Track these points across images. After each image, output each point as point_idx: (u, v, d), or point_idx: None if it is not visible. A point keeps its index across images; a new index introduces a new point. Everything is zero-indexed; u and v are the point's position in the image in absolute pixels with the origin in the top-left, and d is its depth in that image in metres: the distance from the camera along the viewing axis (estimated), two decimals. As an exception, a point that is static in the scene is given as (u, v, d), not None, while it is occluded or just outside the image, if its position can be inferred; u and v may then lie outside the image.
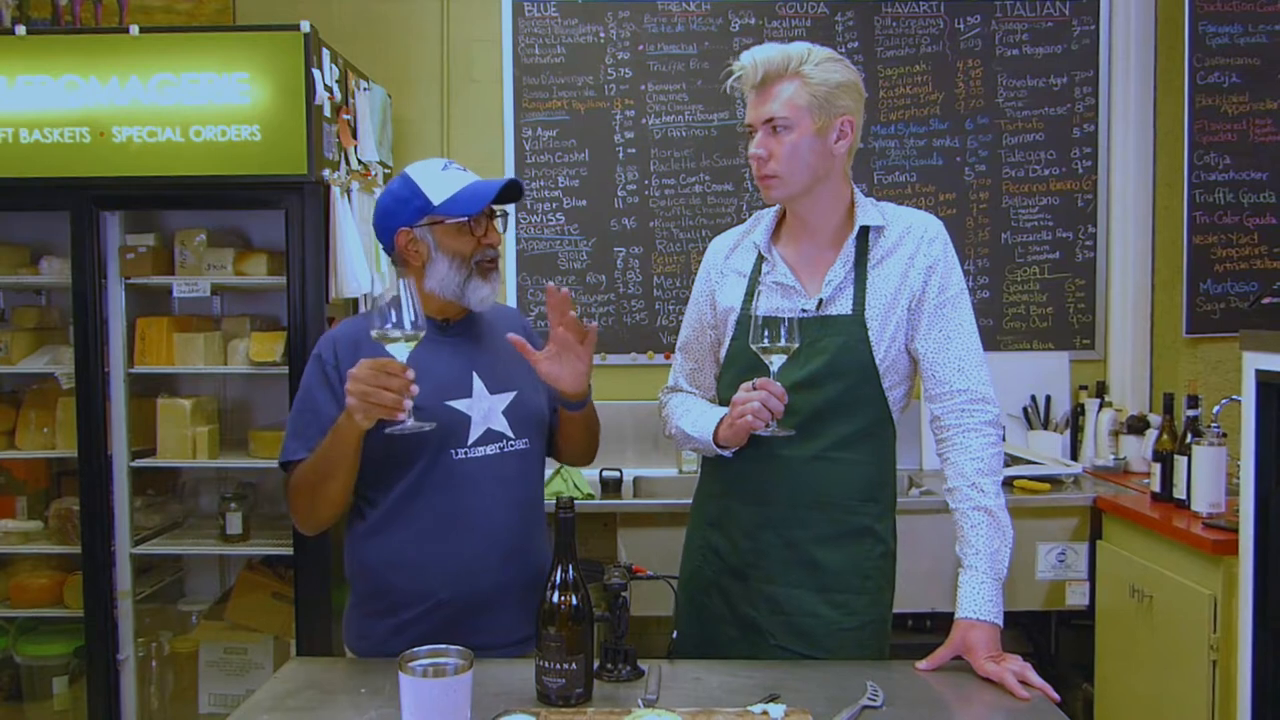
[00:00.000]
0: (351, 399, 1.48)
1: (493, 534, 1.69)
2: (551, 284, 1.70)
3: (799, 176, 1.66)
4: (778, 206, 1.79)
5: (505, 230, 1.76)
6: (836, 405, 1.68)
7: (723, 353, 1.81)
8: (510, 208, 3.54)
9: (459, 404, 1.69)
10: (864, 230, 1.71)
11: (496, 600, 1.68)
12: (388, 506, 1.68)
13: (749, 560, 1.73)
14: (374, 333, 1.48)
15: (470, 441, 1.69)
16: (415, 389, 1.48)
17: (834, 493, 1.69)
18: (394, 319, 1.46)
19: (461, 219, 1.66)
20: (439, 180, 1.69)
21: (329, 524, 1.70)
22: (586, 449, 1.89)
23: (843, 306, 1.69)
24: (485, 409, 1.71)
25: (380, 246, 1.81)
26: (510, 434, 1.73)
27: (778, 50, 1.64)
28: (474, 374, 1.72)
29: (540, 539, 1.79)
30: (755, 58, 1.65)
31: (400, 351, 1.48)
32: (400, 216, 1.69)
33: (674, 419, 1.82)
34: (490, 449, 1.71)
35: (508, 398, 1.74)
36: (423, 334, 1.49)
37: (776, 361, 1.58)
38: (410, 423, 1.49)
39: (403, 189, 1.70)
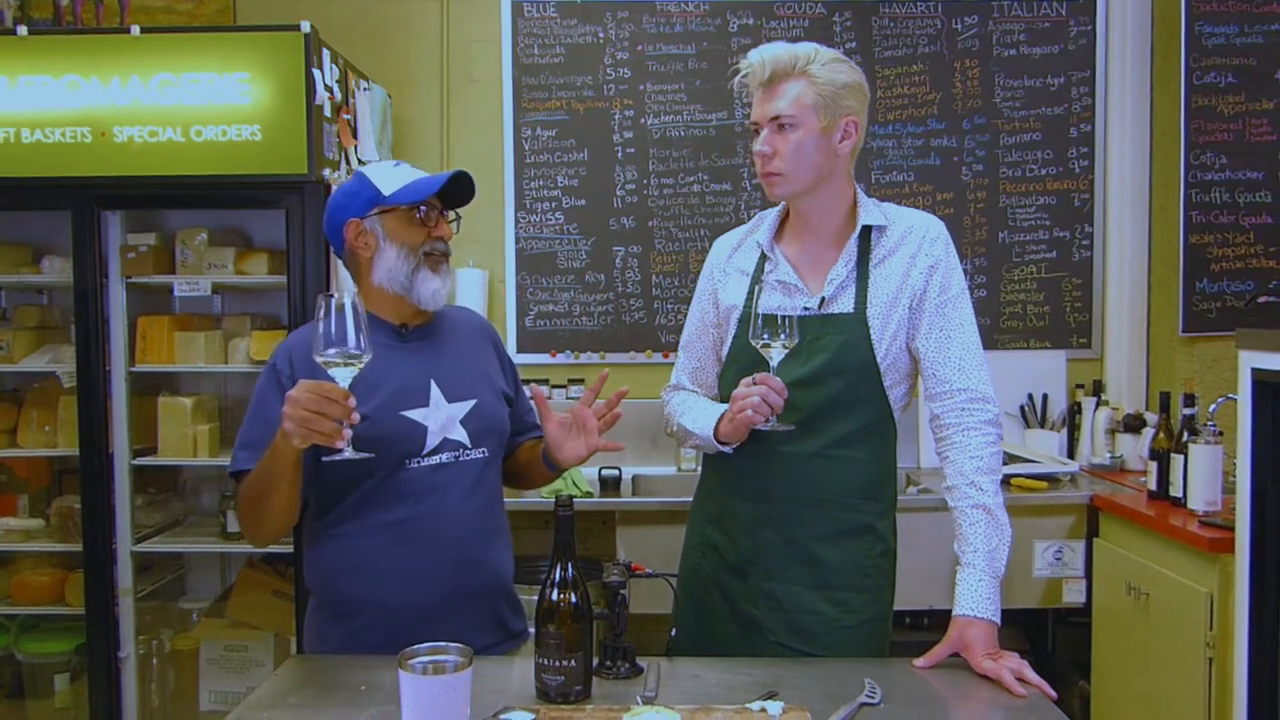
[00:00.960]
0: (288, 423, 1.41)
1: (447, 543, 1.66)
2: (606, 371, 1.75)
3: (803, 175, 1.67)
4: (781, 206, 1.80)
5: (458, 232, 1.77)
6: (838, 403, 1.69)
7: (725, 351, 1.82)
8: (510, 207, 3.58)
9: (414, 414, 1.66)
10: (866, 230, 1.73)
11: (450, 610, 1.66)
12: (341, 513, 1.66)
13: (749, 557, 1.74)
14: (315, 356, 1.41)
15: (426, 450, 1.66)
16: (356, 417, 1.42)
17: (834, 490, 1.70)
18: (335, 341, 1.39)
19: (410, 205, 1.68)
20: (390, 175, 1.71)
21: (277, 537, 1.65)
22: (532, 487, 1.95)
23: (844, 305, 1.70)
24: (443, 418, 1.68)
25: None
26: (468, 443, 1.71)
27: (785, 49, 1.66)
28: (432, 382, 1.69)
29: (500, 547, 1.76)
30: (763, 56, 1.66)
31: (343, 376, 1.42)
32: (349, 209, 1.70)
33: (676, 416, 1.83)
34: (446, 457, 1.68)
35: (466, 406, 1.72)
36: (368, 357, 1.42)
37: (776, 357, 1.59)
38: (348, 452, 1.42)
39: (354, 184, 1.72)
